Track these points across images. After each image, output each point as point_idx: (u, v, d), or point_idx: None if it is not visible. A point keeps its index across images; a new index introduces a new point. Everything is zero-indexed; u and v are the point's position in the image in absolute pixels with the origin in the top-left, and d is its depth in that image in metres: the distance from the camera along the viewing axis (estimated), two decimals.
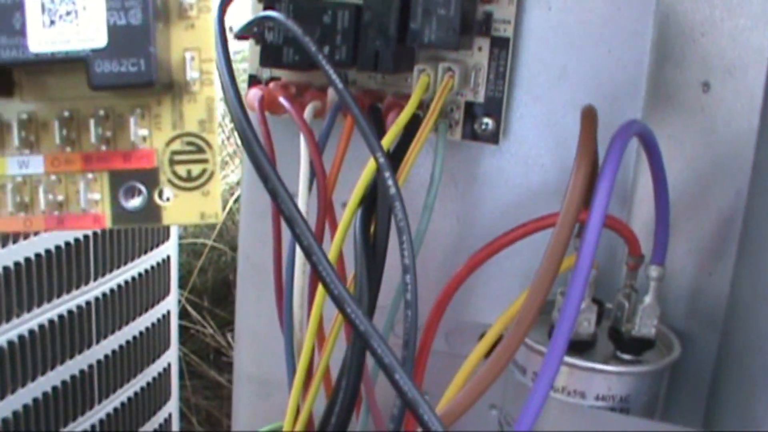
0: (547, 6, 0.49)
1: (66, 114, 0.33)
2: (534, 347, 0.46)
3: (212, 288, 1.15)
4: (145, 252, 0.85)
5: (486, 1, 0.48)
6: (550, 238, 0.39)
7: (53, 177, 0.33)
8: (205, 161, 0.33)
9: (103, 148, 0.33)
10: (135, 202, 0.33)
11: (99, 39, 0.31)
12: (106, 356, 0.81)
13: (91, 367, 0.79)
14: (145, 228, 0.84)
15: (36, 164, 0.33)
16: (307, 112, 0.46)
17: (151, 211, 0.33)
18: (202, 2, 0.32)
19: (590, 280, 0.46)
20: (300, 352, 0.45)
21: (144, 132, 0.33)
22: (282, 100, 0.47)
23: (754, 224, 0.46)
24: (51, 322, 0.72)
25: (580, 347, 0.46)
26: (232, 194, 1.18)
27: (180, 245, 1.25)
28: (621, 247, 0.48)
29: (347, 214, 0.43)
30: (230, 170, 1.25)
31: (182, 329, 1.10)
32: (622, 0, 0.49)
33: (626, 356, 0.47)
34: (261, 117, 0.47)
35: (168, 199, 0.33)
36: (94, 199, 0.33)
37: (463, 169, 0.52)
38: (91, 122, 0.32)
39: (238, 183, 1.22)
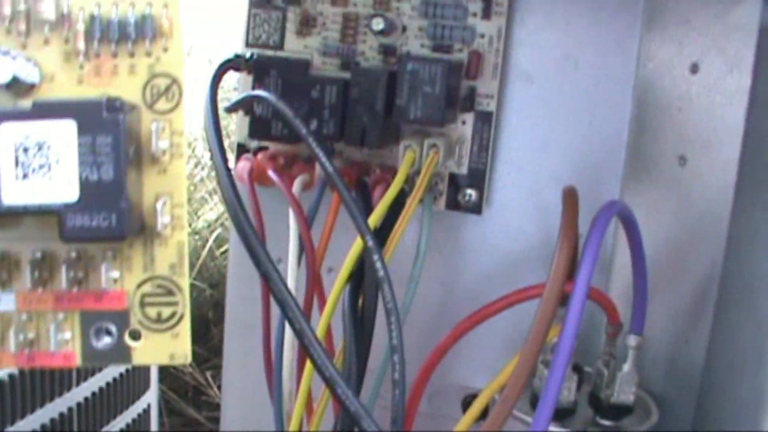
0: (530, 80, 0.51)
1: (38, 255, 0.33)
2: (518, 416, 0.47)
3: (192, 326, 1.15)
4: None
5: (470, 77, 0.49)
6: (535, 315, 0.40)
7: (24, 315, 0.33)
8: (175, 304, 0.34)
9: (75, 289, 0.33)
10: (105, 342, 0.34)
11: (71, 193, 0.31)
12: (86, 398, 0.81)
13: (70, 410, 0.79)
14: None
15: (8, 302, 0.33)
16: (296, 186, 0.47)
17: (122, 351, 0.34)
18: (174, 148, 0.33)
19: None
20: (289, 421, 0.47)
21: (115, 274, 0.33)
22: (271, 173, 0.48)
23: (729, 294, 0.47)
24: None
25: (560, 415, 0.48)
26: (212, 232, 1.19)
27: None
28: (600, 311, 0.50)
29: (336, 288, 0.44)
30: (209, 207, 1.25)
31: (161, 367, 1.11)
32: (603, 74, 0.50)
33: (606, 422, 0.48)
34: (251, 189, 0.48)
35: (138, 339, 0.34)
36: (65, 338, 0.33)
37: (447, 236, 0.53)
38: (63, 266, 0.33)
39: (217, 220, 1.23)
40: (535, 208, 0.52)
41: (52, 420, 0.76)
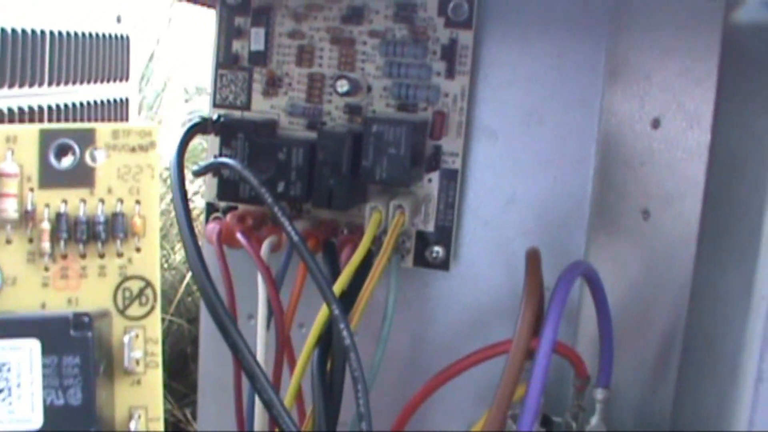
0: (494, 136, 0.52)
1: None
2: None
3: (170, 361, 1.15)
4: None
5: (435, 137, 0.50)
6: (502, 373, 0.41)
7: None
8: None
9: None
10: None
11: (34, 421, 0.29)
12: None
13: None
14: None
15: None
16: (264, 249, 0.48)
17: None
18: (149, 357, 0.31)
19: None
20: None
21: None
22: (239, 236, 0.48)
23: (693, 345, 0.48)
24: None
25: None
26: (188, 268, 1.17)
27: None
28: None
29: (304, 353, 0.45)
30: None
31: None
32: (566, 129, 0.51)
33: None
34: (219, 252, 0.49)
35: None
36: None
37: (415, 293, 0.53)
38: None
39: None
40: (503, 261, 0.52)
41: None
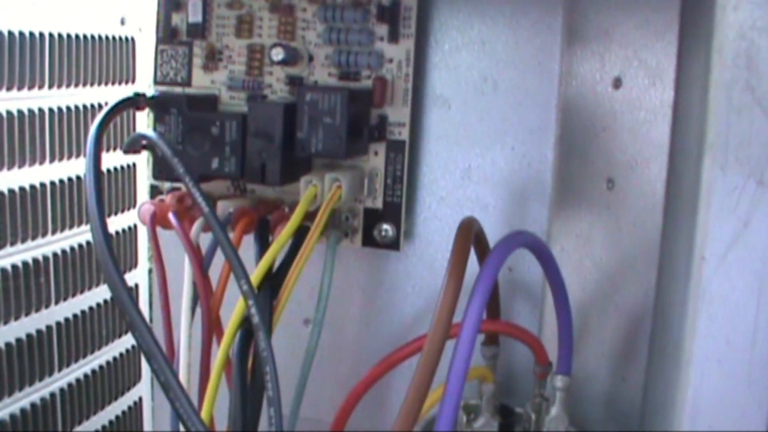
0: (447, 105, 0.48)
1: None
2: None
3: None
4: (116, 337, 0.83)
5: (376, 105, 0.46)
6: (419, 360, 0.37)
7: None
8: None
9: None
10: None
11: None
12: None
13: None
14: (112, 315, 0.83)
15: None
16: (194, 230, 0.45)
17: None
18: None
19: (488, 395, 0.44)
20: None
21: None
22: (171, 217, 0.46)
23: (661, 328, 0.44)
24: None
25: None
26: None
27: None
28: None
29: (227, 336, 0.42)
30: None
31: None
32: (523, 95, 0.47)
33: None
34: (152, 233, 0.46)
35: None
36: None
37: (365, 273, 0.50)
38: None
39: None
40: None
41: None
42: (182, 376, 0.43)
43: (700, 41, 0.40)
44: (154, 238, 0.46)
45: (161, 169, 0.48)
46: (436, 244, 0.49)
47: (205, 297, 0.44)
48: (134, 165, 0.78)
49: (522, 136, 0.47)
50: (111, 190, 0.78)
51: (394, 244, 0.48)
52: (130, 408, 0.86)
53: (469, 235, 0.39)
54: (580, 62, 0.46)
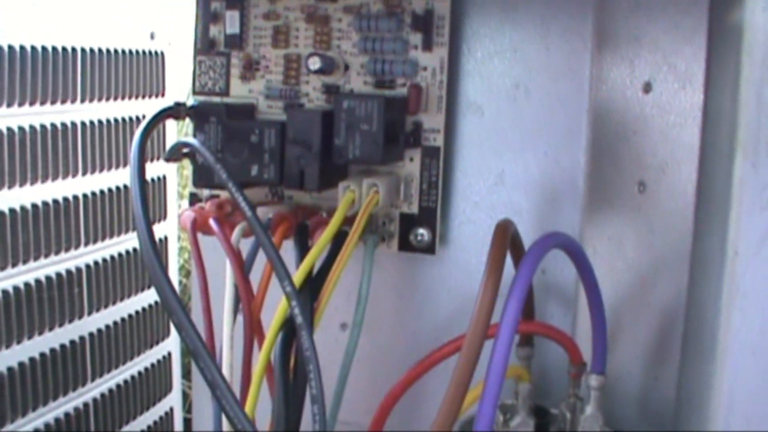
0: (480, 111, 0.49)
1: None
2: None
3: None
4: (147, 348, 0.84)
5: (411, 112, 0.48)
6: (457, 360, 0.38)
7: None
8: None
9: None
10: None
11: None
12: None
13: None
14: (144, 326, 0.83)
15: None
16: (235, 235, 0.46)
17: None
18: None
19: (524, 394, 0.45)
20: None
21: None
22: (212, 222, 0.47)
23: (695, 325, 0.44)
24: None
25: None
26: None
27: None
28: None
29: (269, 337, 0.43)
30: None
31: (189, 422, 1.09)
32: (555, 101, 0.48)
33: None
34: (192, 239, 0.47)
35: None
36: None
37: (401, 277, 0.51)
38: None
39: None
40: None
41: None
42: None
43: (729, 43, 0.41)
44: (194, 243, 0.47)
45: (201, 177, 0.49)
46: (471, 248, 0.50)
47: (247, 300, 0.45)
48: (164, 177, 0.79)
49: (554, 140, 0.48)
50: None
51: (429, 248, 0.49)
52: (161, 418, 0.87)
53: (506, 235, 0.40)
54: (610, 67, 0.47)
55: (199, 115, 0.48)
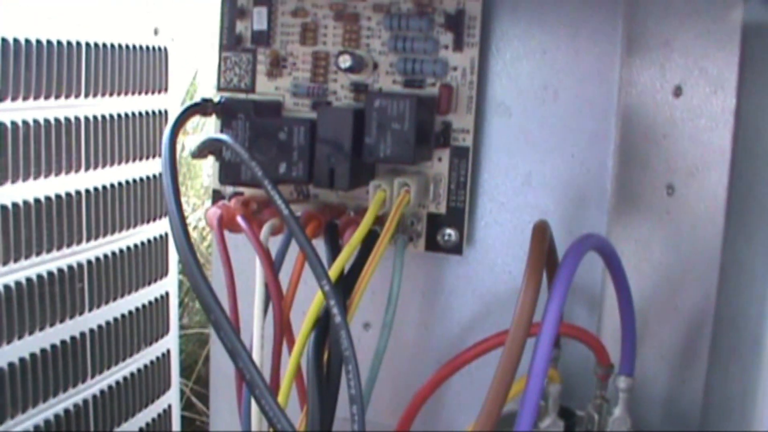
0: (508, 112, 0.49)
1: None
2: None
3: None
4: (146, 345, 0.83)
5: (442, 112, 0.47)
6: (500, 359, 0.38)
7: None
8: None
9: None
10: None
11: None
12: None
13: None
14: (143, 323, 0.83)
15: None
16: (264, 233, 0.46)
17: None
18: None
19: (554, 395, 0.45)
20: None
21: None
22: (239, 220, 0.46)
23: (723, 329, 0.45)
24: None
25: None
26: None
27: (186, 335, 1.23)
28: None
29: (300, 337, 0.42)
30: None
31: (186, 420, 1.09)
32: (584, 103, 0.48)
33: None
34: (219, 236, 0.47)
35: None
36: None
37: (428, 277, 0.51)
38: None
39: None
40: (520, 245, 0.49)
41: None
42: None
43: (763, 47, 0.41)
44: (221, 241, 0.47)
45: (227, 174, 0.48)
46: (497, 249, 0.50)
47: (278, 298, 0.44)
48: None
49: (581, 143, 0.48)
50: (144, 199, 0.79)
51: (456, 249, 0.48)
52: (159, 416, 0.86)
53: (545, 235, 0.40)
54: (640, 71, 0.47)
55: (226, 111, 0.48)
